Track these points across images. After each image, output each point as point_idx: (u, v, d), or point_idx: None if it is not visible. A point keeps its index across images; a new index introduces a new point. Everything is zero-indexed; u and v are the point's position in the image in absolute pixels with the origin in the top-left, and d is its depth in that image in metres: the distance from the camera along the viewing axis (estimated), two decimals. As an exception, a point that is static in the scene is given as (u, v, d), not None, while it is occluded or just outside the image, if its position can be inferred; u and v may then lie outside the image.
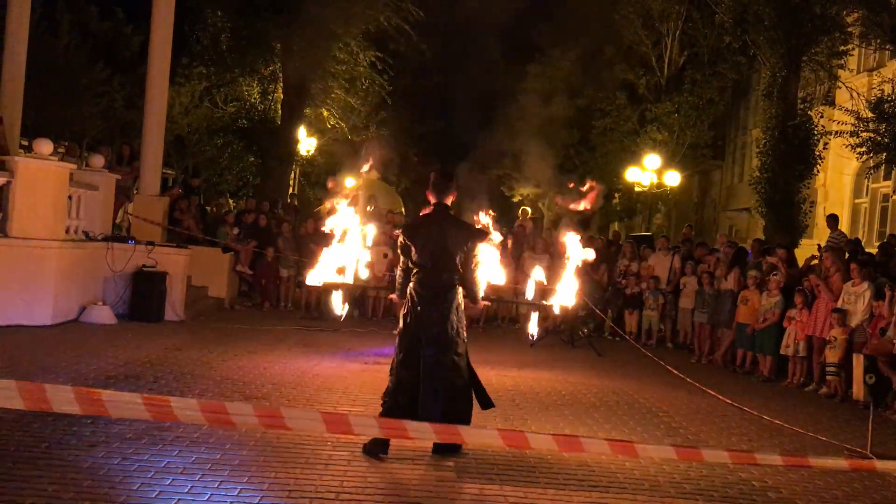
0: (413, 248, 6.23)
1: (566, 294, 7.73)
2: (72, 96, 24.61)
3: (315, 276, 8.08)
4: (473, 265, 6.31)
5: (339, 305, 8.28)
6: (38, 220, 10.96)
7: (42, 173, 11.10)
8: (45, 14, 24.16)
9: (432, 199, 6.35)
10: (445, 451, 6.00)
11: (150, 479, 5.11)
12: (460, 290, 6.26)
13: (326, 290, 7.99)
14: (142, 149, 15.55)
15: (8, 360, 8.53)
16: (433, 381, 6.02)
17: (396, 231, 6.66)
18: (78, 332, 10.72)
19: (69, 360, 8.80)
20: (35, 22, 18.53)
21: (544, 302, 8.15)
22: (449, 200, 6.37)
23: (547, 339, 13.68)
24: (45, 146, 11.26)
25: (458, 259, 6.18)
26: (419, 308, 6.11)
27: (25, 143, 16.68)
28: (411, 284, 6.22)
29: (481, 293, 6.53)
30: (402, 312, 6.31)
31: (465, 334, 6.31)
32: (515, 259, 16.17)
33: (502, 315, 16.36)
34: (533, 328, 8.81)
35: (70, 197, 11.81)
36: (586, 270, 15.71)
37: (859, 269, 10.62)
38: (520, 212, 19.96)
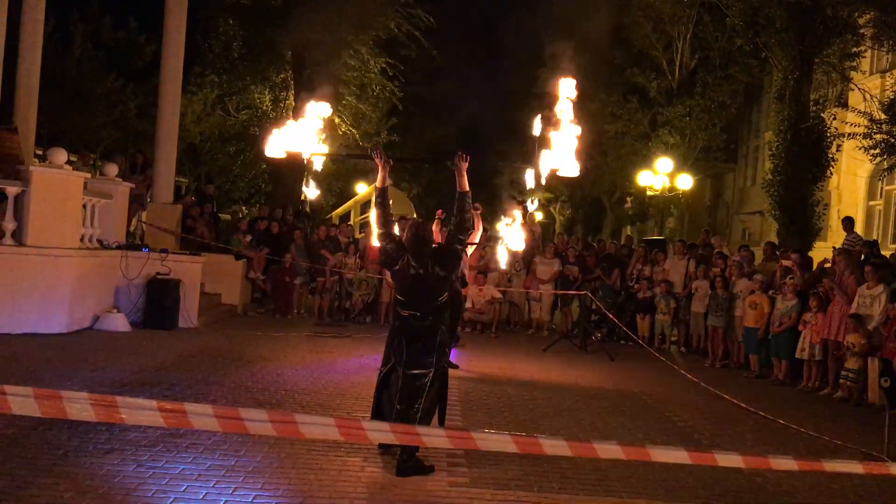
0: (393, 281, 6.18)
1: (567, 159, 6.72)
2: (85, 106, 24.84)
3: (274, 147, 6.92)
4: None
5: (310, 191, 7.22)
6: (52, 228, 11.03)
7: (56, 182, 11.18)
8: (59, 24, 24.40)
9: (409, 254, 6.01)
10: (409, 471, 5.77)
11: (165, 486, 5.13)
12: (446, 311, 6.15)
13: (290, 158, 6.87)
14: (155, 157, 15.66)
15: (24, 367, 8.60)
16: (406, 395, 5.95)
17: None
18: (93, 340, 10.78)
19: (84, 367, 8.85)
20: (49, 32, 18.72)
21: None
22: (426, 251, 6.02)
23: (559, 344, 13.67)
24: (59, 155, 11.34)
25: (442, 296, 6.02)
26: (405, 345, 5.99)
27: (40, 152, 16.83)
28: (395, 302, 6.21)
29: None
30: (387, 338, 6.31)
31: (447, 350, 6.27)
32: (526, 265, 16.19)
33: (515, 321, 16.38)
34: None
35: (84, 206, 11.89)
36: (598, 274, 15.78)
37: (874, 271, 10.55)
38: (528, 217, 19.95)
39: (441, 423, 6.32)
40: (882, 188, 22.95)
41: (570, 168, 6.66)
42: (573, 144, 6.66)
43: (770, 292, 12.32)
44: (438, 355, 6.03)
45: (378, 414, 6.19)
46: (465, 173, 6.15)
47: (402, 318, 6.07)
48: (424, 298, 5.99)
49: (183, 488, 5.12)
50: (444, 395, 6.31)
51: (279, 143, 6.81)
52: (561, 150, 6.64)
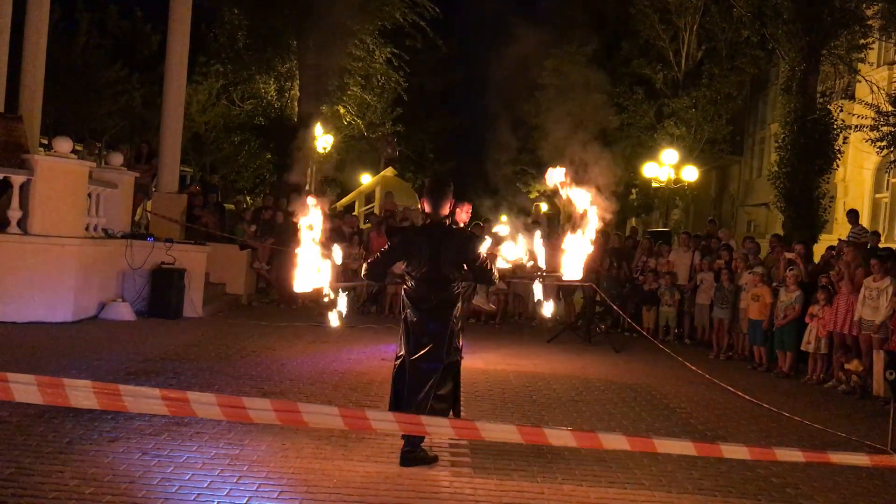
0: (405, 259, 5.97)
1: (574, 265, 6.76)
2: (91, 95, 24.84)
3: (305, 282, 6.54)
4: (485, 266, 5.93)
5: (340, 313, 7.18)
6: (58, 217, 11.05)
7: (62, 171, 11.19)
8: (65, 13, 24.39)
9: (427, 210, 5.94)
10: (412, 461, 5.73)
11: (169, 474, 5.14)
12: (458, 303, 5.95)
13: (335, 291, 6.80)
14: (160, 146, 15.66)
15: (29, 356, 8.62)
16: (414, 385, 5.82)
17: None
18: (98, 329, 10.81)
19: (89, 356, 8.87)
20: (54, 21, 18.71)
21: (549, 272, 7.04)
22: (445, 211, 5.96)
23: (564, 336, 13.65)
24: (64, 144, 11.35)
25: (454, 276, 5.85)
26: (415, 319, 5.88)
27: (45, 141, 16.85)
28: (404, 292, 6.01)
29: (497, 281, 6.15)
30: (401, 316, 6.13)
31: (458, 343, 6.03)
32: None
33: (519, 311, 16.36)
34: (538, 295, 7.73)
35: (89, 195, 11.90)
36: (602, 264, 15.75)
37: (880, 264, 10.51)
38: (533, 208, 19.89)
39: (457, 415, 6.25)
40: (889, 181, 22.86)
41: (574, 273, 6.75)
42: (584, 254, 6.71)
43: (774, 284, 12.29)
44: (448, 349, 5.85)
45: (397, 406, 6.04)
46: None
47: (412, 308, 5.91)
48: (436, 293, 5.85)
49: (187, 476, 5.13)
50: (458, 388, 6.16)
51: (307, 278, 6.69)
52: (571, 258, 6.69)
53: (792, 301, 11.62)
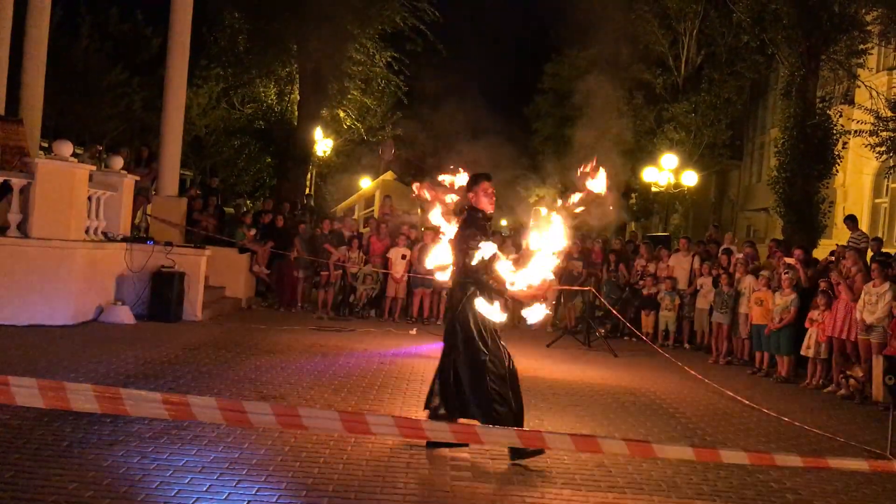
0: None
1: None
2: (91, 98, 24.87)
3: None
4: (472, 262, 5.99)
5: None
6: (57, 220, 11.05)
7: (62, 175, 11.19)
8: (66, 16, 24.42)
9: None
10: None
11: (168, 478, 5.14)
12: (474, 295, 6.06)
13: None
14: (160, 150, 15.68)
15: (28, 359, 8.61)
16: (442, 374, 6.33)
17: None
18: (97, 332, 10.80)
19: (89, 359, 8.86)
20: (55, 24, 18.73)
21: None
22: (471, 198, 6.37)
23: (563, 340, 13.66)
24: (64, 148, 11.36)
25: (461, 261, 6.16)
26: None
27: (45, 144, 16.86)
28: None
29: (501, 289, 6.15)
30: None
31: (480, 344, 6.11)
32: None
33: (517, 317, 16.33)
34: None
35: (89, 198, 11.91)
36: (603, 270, 15.77)
37: (880, 269, 10.53)
38: (532, 212, 19.89)
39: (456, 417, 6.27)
40: (888, 186, 22.90)
41: (598, 184, 6.98)
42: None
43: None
44: (450, 338, 6.25)
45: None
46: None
47: None
48: (455, 277, 6.37)
49: (187, 480, 5.13)
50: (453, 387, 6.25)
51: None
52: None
53: (787, 304, 11.64)
